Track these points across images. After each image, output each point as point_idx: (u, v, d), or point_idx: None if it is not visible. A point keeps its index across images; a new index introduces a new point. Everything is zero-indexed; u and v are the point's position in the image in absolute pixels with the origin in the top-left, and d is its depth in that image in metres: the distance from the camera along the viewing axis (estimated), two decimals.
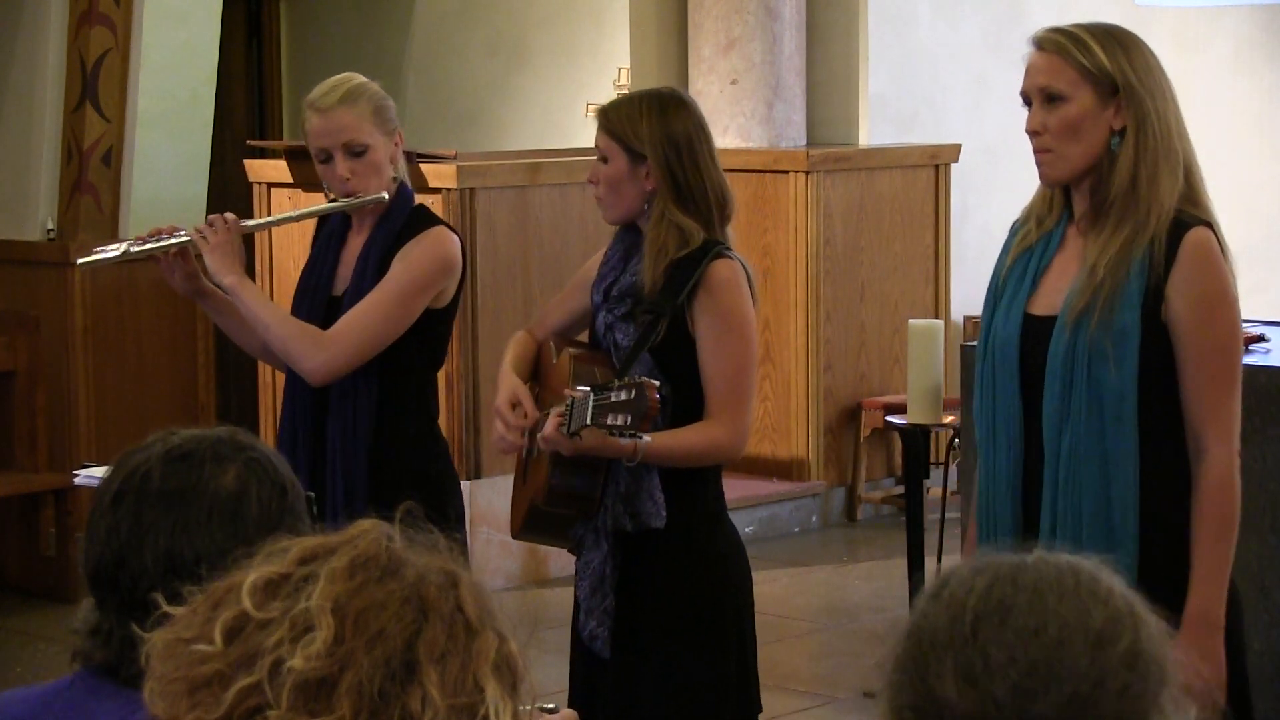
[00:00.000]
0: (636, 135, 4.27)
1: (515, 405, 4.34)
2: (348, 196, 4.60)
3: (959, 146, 9.64)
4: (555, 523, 4.36)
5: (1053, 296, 3.78)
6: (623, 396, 3.95)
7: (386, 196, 4.59)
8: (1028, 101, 3.80)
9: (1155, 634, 1.86)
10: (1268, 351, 5.75)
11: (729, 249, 4.29)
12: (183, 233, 4.67)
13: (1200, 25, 10.97)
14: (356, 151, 4.57)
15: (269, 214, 8.19)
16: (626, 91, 4.47)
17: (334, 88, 4.60)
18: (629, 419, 3.94)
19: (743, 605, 4.35)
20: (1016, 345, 3.79)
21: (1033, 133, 3.78)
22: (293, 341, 4.55)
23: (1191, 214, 3.72)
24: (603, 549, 4.26)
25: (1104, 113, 3.72)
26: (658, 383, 4.00)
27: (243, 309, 4.65)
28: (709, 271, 4.22)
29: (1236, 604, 3.78)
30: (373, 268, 4.58)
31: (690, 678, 4.26)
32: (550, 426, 4.11)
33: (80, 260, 4.92)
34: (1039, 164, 3.79)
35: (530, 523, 4.40)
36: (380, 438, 4.58)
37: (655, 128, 4.27)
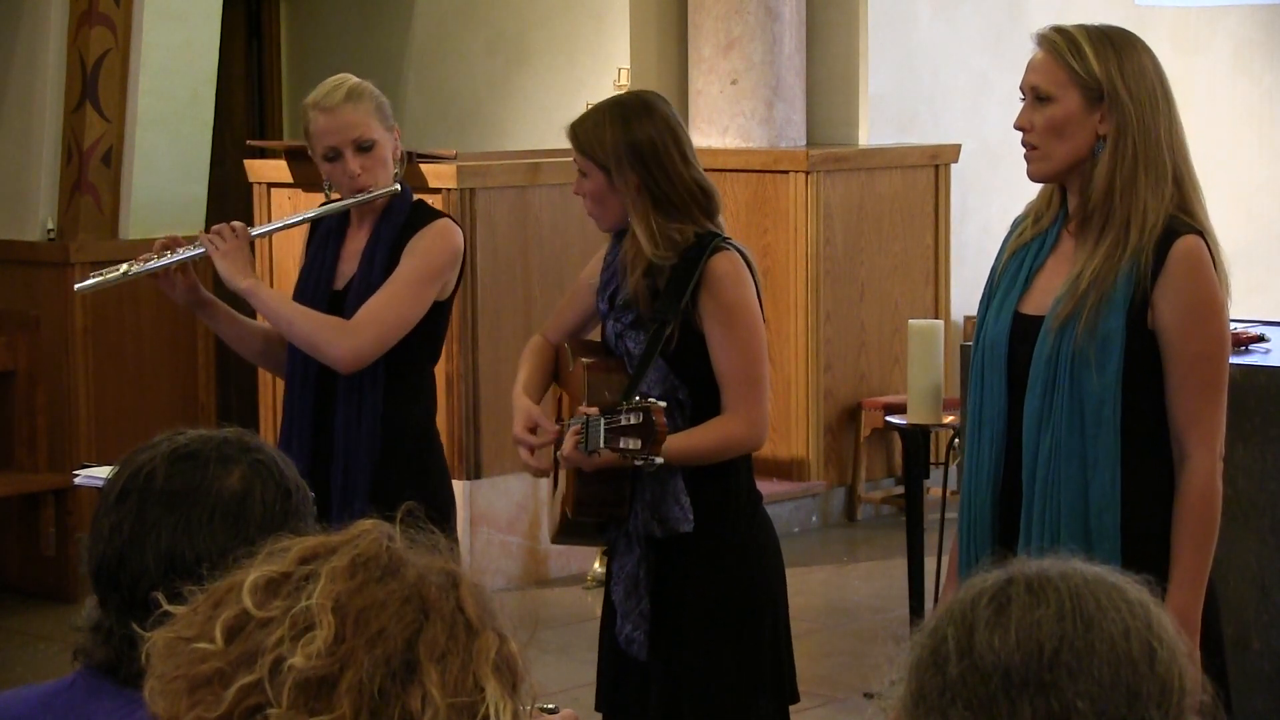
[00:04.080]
0: (602, 149, 4.28)
1: (534, 428, 4.37)
2: (357, 193, 4.65)
3: (959, 146, 9.64)
4: (588, 528, 4.42)
5: (1043, 297, 3.82)
6: (631, 420, 4.02)
7: (400, 188, 4.66)
8: (1025, 96, 3.84)
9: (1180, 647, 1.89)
10: (1268, 351, 5.75)
11: (726, 240, 4.30)
12: (183, 250, 4.68)
13: (1200, 25, 10.97)
14: (365, 147, 4.64)
15: (268, 215, 8.19)
16: (599, 103, 4.47)
17: (336, 86, 4.66)
18: (640, 443, 4.00)
19: (777, 596, 4.38)
20: (1005, 344, 3.83)
21: (1020, 128, 3.82)
22: (319, 332, 4.61)
23: (1184, 221, 3.73)
24: (635, 553, 4.29)
25: (1090, 117, 3.75)
26: (664, 404, 4.06)
27: (262, 309, 4.71)
28: (709, 267, 4.24)
29: (1214, 601, 3.79)
30: (380, 261, 4.64)
31: (728, 674, 4.29)
32: (568, 445, 4.17)
33: (79, 285, 4.89)
34: (1026, 159, 3.84)
35: (565, 530, 4.46)
36: (385, 429, 4.64)
37: (618, 139, 4.27)
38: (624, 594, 4.30)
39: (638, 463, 4.07)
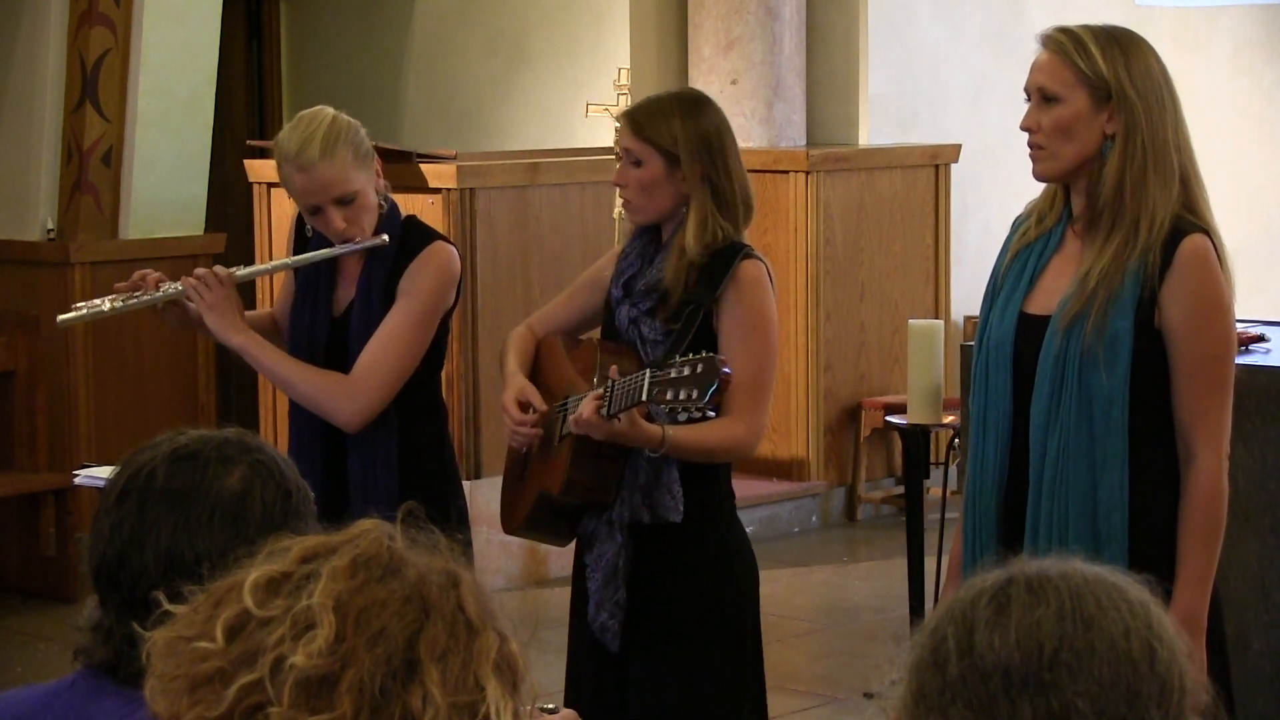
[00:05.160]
0: (671, 137, 4.26)
1: (525, 405, 4.35)
2: (344, 242, 4.53)
3: (959, 146, 9.64)
4: (561, 516, 4.36)
5: (1048, 297, 3.81)
6: (685, 372, 3.92)
7: (387, 239, 4.52)
8: (1030, 97, 3.83)
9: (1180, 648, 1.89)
10: (1268, 351, 5.75)
11: (754, 251, 4.32)
12: (168, 285, 4.56)
13: (1200, 25, 10.97)
14: (346, 200, 4.48)
15: (268, 214, 8.20)
16: (654, 94, 4.43)
17: (309, 139, 4.47)
18: (693, 393, 3.90)
19: (752, 603, 4.37)
20: (1010, 344, 3.82)
21: (1027, 129, 3.81)
22: (322, 395, 4.49)
23: (1189, 220, 3.73)
24: (616, 541, 4.26)
25: (1097, 117, 3.75)
26: (724, 356, 4.00)
27: (258, 368, 4.62)
28: (739, 269, 4.25)
29: (1216, 601, 3.80)
30: (378, 289, 4.53)
31: (703, 675, 4.28)
32: (589, 409, 4.07)
33: (60, 317, 4.79)
34: (1032, 159, 3.83)
35: (535, 517, 4.39)
36: (401, 446, 4.55)
37: (688, 128, 4.27)
38: (601, 582, 4.27)
39: (681, 417, 3.97)
